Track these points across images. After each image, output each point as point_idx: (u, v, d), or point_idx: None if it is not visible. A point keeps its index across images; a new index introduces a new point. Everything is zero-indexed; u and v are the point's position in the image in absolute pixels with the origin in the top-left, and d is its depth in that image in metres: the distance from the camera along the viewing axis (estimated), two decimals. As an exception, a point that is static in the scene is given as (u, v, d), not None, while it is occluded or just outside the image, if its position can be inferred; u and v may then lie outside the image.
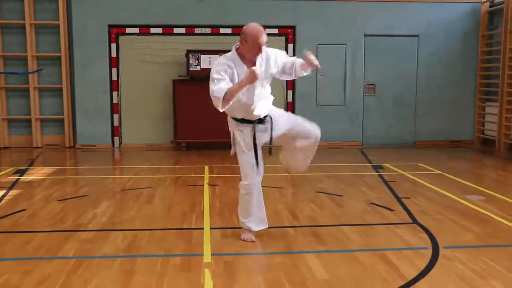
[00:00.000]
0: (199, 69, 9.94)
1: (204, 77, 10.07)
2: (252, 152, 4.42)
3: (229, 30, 10.37)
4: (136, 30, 10.32)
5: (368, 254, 4.17)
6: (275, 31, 10.41)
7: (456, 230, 4.86)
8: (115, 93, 10.44)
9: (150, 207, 5.75)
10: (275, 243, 4.48)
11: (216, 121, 10.16)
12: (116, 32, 10.30)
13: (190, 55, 9.90)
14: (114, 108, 10.47)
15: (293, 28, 10.45)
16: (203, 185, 6.85)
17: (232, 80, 4.19)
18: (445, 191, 6.42)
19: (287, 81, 10.54)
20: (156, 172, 7.88)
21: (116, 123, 10.51)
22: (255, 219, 4.55)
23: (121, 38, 10.37)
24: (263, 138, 4.47)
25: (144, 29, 10.31)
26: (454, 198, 6.07)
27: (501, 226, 4.96)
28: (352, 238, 4.61)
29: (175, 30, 10.34)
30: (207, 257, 4.09)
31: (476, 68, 10.96)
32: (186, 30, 10.36)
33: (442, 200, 6.00)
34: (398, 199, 6.02)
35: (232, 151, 4.51)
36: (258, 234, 4.67)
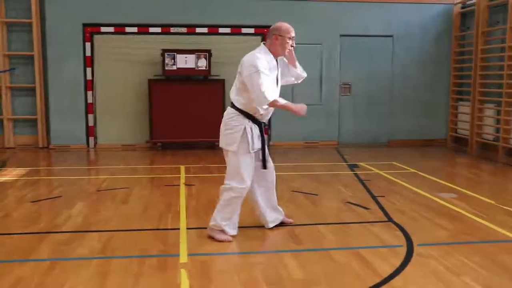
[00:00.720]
0: (175, 68, 9.90)
1: (180, 76, 10.15)
2: (253, 155, 4.45)
3: (205, 30, 10.35)
4: (111, 29, 10.22)
5: (343, 253, 4.21)
6: (251, 30, 10.42)
7: (430, 227, 4.93)
8: (89, 93, 10.33)
9: (126, 207, 5.71)
10: (251, 242, 4.49)
11: (192, 121, 10.23)
12: (90, 31, 10.19)
13: (166, 55, 9.85)
14: (89, 108, 10.36)
15: (269, 27, 10.44)
16: (179, 185, 6.82)
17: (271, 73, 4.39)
18: (419, 190, 6.51)
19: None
20: (132, 172, 7.82)
21: (91, 123, 10.39)
22: (232, 224, 4.53)
23: (95, 37, 10.26)
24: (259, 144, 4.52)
25: (119, 28, 10.22)
26: (428, 196, 6.17)
27: (473, 223, 5.06)
28: (327, 236, 4.65)
29: (151, 29, 10.27)
30: (183, 257, 4.08)
31: (449, 68, 11.14)
32: (161, 29, 10.30)
33: (416, 198, 6.08)
34: (373, 198, 6.09)
35: (231, 149, 4.39)
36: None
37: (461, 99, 10.95)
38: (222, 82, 10.09)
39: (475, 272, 3.80)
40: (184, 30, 10.33)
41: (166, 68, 9.88)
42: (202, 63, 9.89)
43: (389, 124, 11.15)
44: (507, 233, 4.71)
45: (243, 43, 10.30)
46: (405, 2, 10.80)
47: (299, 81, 4.83)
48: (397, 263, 3.96)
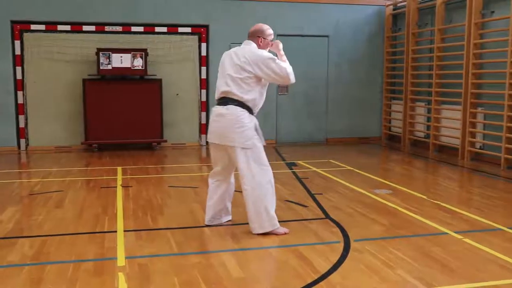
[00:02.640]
0: (110, 68, 9.68)
1: (115, 76, 9.93)
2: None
3: (141, 29, 10.16)
4: (42, 27, 9.85)
5: (282, 250, 4.26)
6: (188, 30, 10.34)
7: (366, 223, 5.06)
8: (20, 93, 9.91)
9: (60, 211, 5.53)
10: (190, 243, 4.46)
11: (128, 122, 10.05)
12: (20, 28, 9.79)
13: (101, 54, 9.61)
14: (19, 109, 9.95)
15: (206, 27, 10.42)
16: (116, 187, 6.68)
17: None
18: (355, 186, 6.67)
19: (201, 79, 10.51)
20: (66, 174, 7.58)
21: (21, 125, 9.98)
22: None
23: (25, 35, 9.86)
24: None
25: (51, 26, 9.87)
26: (364, 193, 6.32)
27: (407, 218, 5.23)
28: (266, 235, 4.67)
29: (84, 28, 9.98)
30: (120, 261, 4.00)
31: (383, 68, 11.48)
32: (96, 27, 10.02)
33: (352, 195, 6.22)
34: (311, 195, 6.18)
35: (248, 146, 4.57)
36: (172, 234, 4.65)
37: (394, 98, 11.31)
38: (158, 82, 9.96)
39: (409, 265, 3.92)
40: (119, 28, 10.11)
41: (101, 68, 9.64)
42: (138, 63, 9.73)
43: (326, 122, 11.36)
44: (438, 226, 4.90)
45: (180, 42, 10.22)
46: (340, 3, 11.03)
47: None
48: (335, 259, 4.04)
